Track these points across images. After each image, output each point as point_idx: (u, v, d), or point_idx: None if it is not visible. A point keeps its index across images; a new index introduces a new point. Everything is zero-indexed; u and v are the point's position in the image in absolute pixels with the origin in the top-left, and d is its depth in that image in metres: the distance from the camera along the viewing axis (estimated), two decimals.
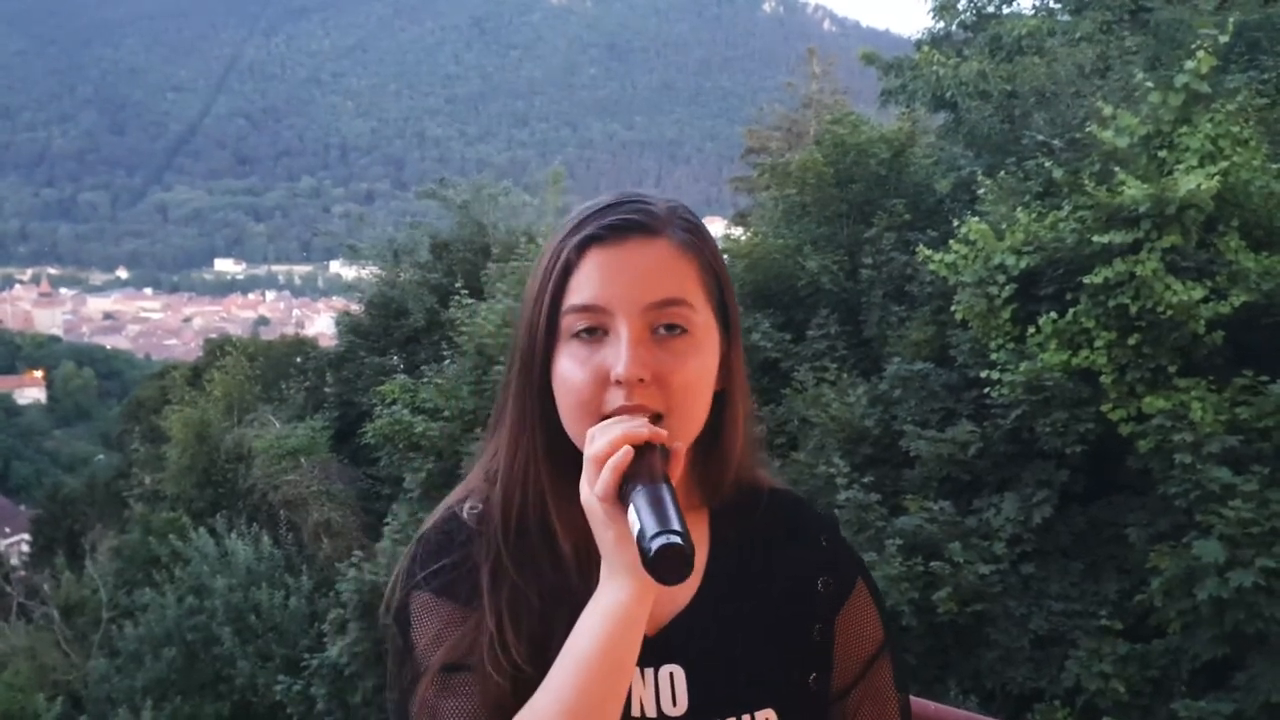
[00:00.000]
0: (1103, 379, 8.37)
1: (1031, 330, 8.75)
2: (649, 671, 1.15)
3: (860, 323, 11.69)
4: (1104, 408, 8.41)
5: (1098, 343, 8.38)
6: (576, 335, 1.13)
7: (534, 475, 1.16)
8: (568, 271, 1.14)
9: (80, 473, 35.27)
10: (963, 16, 16.24)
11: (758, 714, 1.16)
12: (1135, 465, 8.47)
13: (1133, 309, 8.19)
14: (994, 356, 9.00)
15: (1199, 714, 7.26)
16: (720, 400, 1.19)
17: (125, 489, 22.68)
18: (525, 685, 1.08)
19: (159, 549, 15.52)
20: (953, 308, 9.48)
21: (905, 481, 9.56)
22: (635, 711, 1.14)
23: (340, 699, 12.06)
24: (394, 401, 13.77)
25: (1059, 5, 15.58)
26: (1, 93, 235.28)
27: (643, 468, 1.03)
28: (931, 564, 8.43)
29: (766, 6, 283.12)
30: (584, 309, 1.12)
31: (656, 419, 1.09)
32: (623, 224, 1.14)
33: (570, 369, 1.12)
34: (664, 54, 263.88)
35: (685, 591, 1.18)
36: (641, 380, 1.09)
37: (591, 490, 1.04)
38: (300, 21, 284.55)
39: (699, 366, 1.13)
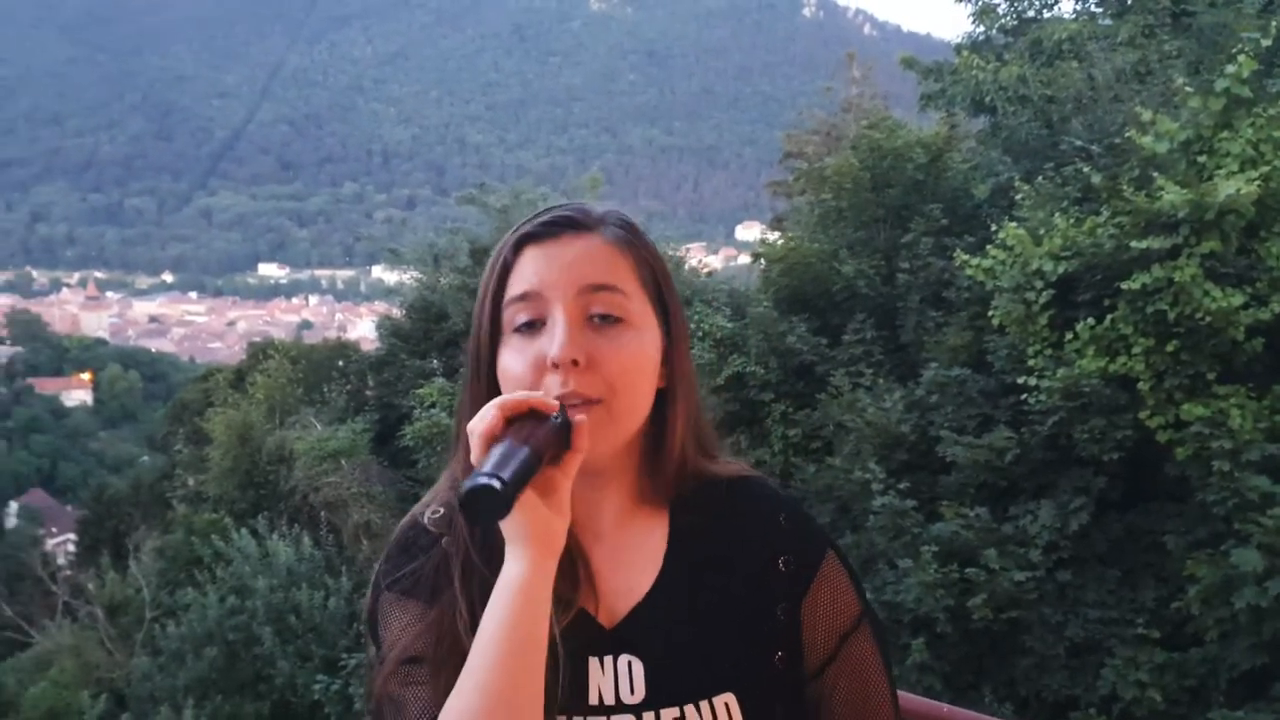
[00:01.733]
0: (1141, 386, 8.31)
1: (1069, 336, 8.70)
2: (608, 660, 1.18)
3: (897, 328, 11.66)
4: (1142, 415, 8.35)
5: (1136, 349, 8.31)
6: (517, 330, 1.18)
7: None
8: (506, 270, 1.20)
9: (125, 474, 35.73)
10: (1003, 21, 16.16)
11: (716, 699, 1.17)
12: (1173, 473, 8.40)
13: (1171, 315, 8.12)
14: (1031, 363, 8.96)
15: None
16: (663, 397, 1.22)
17: (169, 490, 22.97)
18: None
19: (201, 549, 15.69)
20: (990, 313, 9.44)
21: (941, 488, 9.53)
22: (594, 700, 1.17)
23: None
24: (433, 404, 13.87)
25: (1100, 9, 15.46)
26: (51, 100, 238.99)
27: (514, 432, 1.04)
28: (967, 571, 8.40)
29: (806, 11, 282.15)
30: (520, 298, 1.18)
31: (594, 403, 1.12)
32: (555, 220, 1.21)
33: (510, 360, 1.17)
34: (703, 59, 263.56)
35: (644, 582, 1.21)
36: (576, 363, 1.12)
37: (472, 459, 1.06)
38: (343, 30, 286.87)
39: (637, 353, 1.17)
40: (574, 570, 1.19)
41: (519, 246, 1.20)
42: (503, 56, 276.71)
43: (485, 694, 1.04)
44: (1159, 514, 8.68)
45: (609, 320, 1.16)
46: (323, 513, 16.16)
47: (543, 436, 1.05)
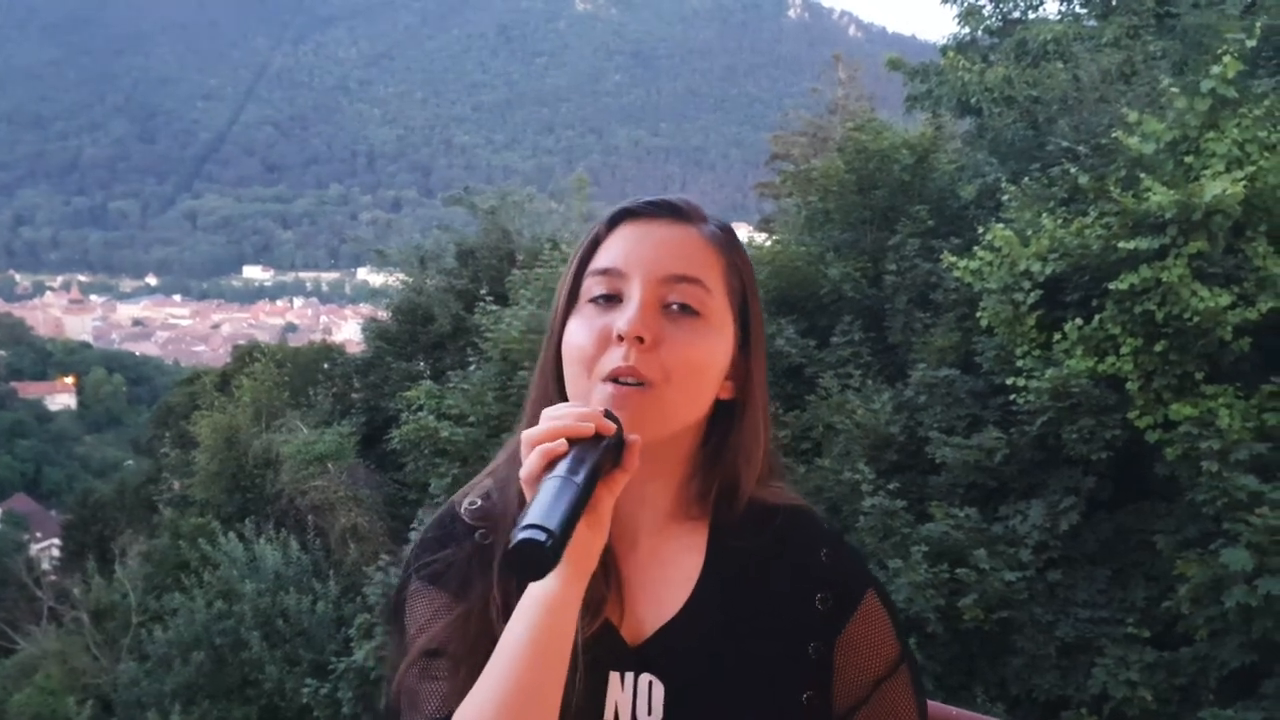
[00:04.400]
0: (1129, 386, 8.34)
1: (1057, 337, 8.72)
2: (628, 678, 1.15)
3: (885, 329, 11.66)
4: (1130, 415, 8.37)
5: (1124, 349, 8.34)
6: (593, 300, 1.16)
7: None
8: (597, 242, 1.19)
9: (110, 478, 35.50)
10: (988, 22, 16.19)
11: None
12: (1162, 472, 8.43)
13: (1159, 315, 8.15)
14: (1020, 363, 8.98)
15: None
16: (731, 409, 1.20)
17: (155, 494, 22.84)
18: None
19: (188, 554, 15.61)
20: (978, 314, 9.46)
21: (931, 488, 9.54)
22: (609, 716, 1.15)
23: (367, 702, 12.12)
24: (420, 407, 13.83)
25: (1085, 11, 15.51)
26: (34, 102, 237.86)
27: (572, 457, 1.01)
28: (957, 571, 8.40)
29: (792, 13, 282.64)
30: (602, 272, 1.16)
31: (646, 386, 1.10)
32: (658, 203, 1.19)
33: (577, 329, 1.16)
34: (689, 60, 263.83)
35: (674, 601, 1.18)
36: (641, 340, 1.10)
37: (522, 471, 1.04)
38: (328, 30, 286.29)
39: (705, 350, 1.14)
40: (604, 578, 1.15)
41: (615, 221, 1.20)
42: (489, 57, 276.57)
43: (501, 706, 1.02)
44: (1148, 514, 8.71)
45: (685, 311, 1.14)
46: (310, 516, 16.10)
47: (597, 461, 1.03)
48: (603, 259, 1.17)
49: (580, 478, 1.00)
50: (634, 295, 1.13)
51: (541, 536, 0.93)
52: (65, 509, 36.72)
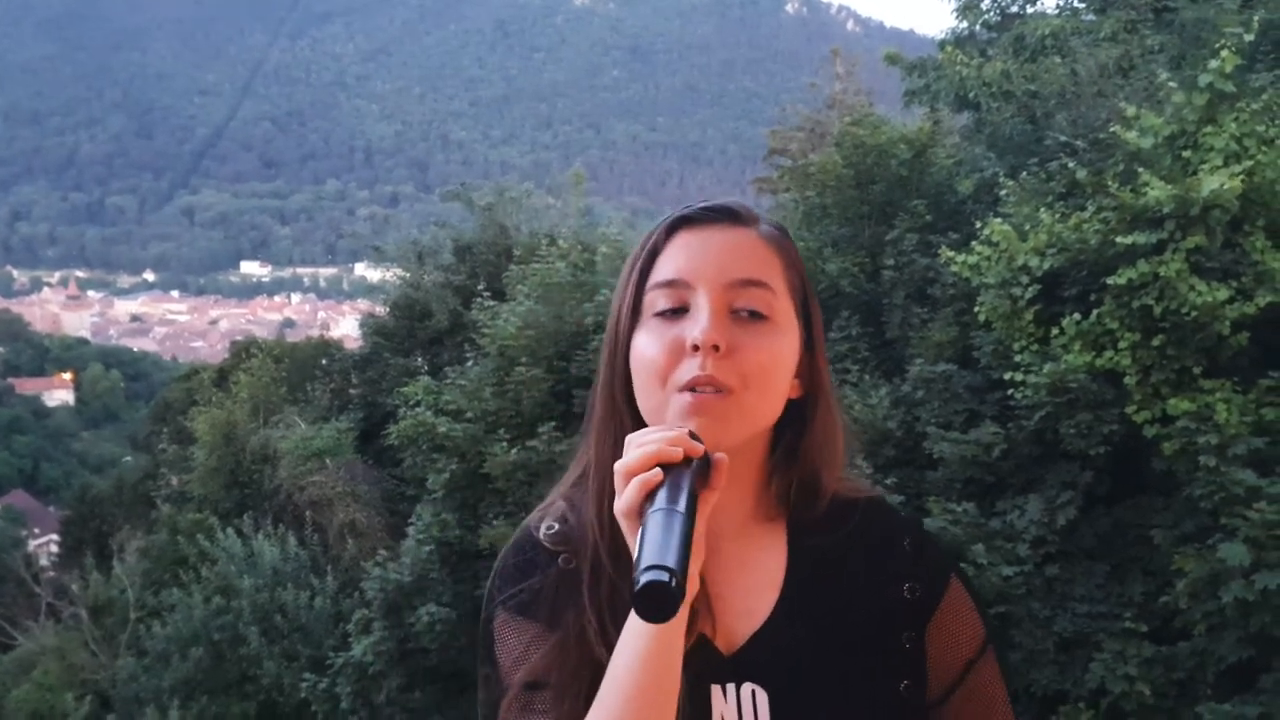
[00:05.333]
0: (1127, 380, 8.33)
1: (1055, 332, 8.71)
2: (730, 689, 1.14)
3: (882, 324, 11.66)
4: (1128, 409, 8.37)
5: (1122, 344, 8.34)
6: (658, 314, 1.15)
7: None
8: (655, 254, 1.18)
9: (108, 474, 35.51)
10: (986, 16, 16.19)
11: None
12: (1160, 467, 8.43)
13: (1157, 310, 8.15)
14: (1018, 358, 8.97)
15: (1224, 717, 7.22)
16: (802, 407, 1.19)
17: (153, 490, 22.84)
18: None
19: (186, 549, 15.63)
20: (976, 309, 9.45)
21: (928, 483, 9.54)
22: None
23: (365, 697, 12.14)
24: (418, 403, 13.83)
25: (1083, 5, 15.50)
26: (30, 98, 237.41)
27: (669, 484, 1.00)
28: None
29: (790, 7, 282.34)
30: (667, 284, 1.15)
31: (724, 392, 1.10)
32: (714, 208, 1.19)
33: (647, 342, 1.15)
34: (687, 55, 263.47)
35: (763, 606, 1.17)
36: (717, 348, 1.10)
37: (617, 504, 1.03)
38: (325, 26, 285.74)
39: (777, 352, 1.14)
40: (695, 590, 1.13)
41: (672, 230, 1.19)
42: (486, 52, 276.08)
43: None
44: (1146, 508, 8.71)
45: (755, 316, 1.14)
46: (307, 512, 16.11)
47: (689, 487, 1.02)
48: (664, 270, 1.16)
49: (682, 506, 0.99)
50: (703, 304, 1.13)
51: (665, 577, 0.92)
52: (63, 505, 36.71)
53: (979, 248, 9.33)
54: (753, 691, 1.14)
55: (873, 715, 1.15)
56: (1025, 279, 8.96)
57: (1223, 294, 8.00)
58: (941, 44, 15.95)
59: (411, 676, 11.94)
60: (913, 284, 11.44)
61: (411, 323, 18.73)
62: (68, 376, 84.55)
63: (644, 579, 0.92)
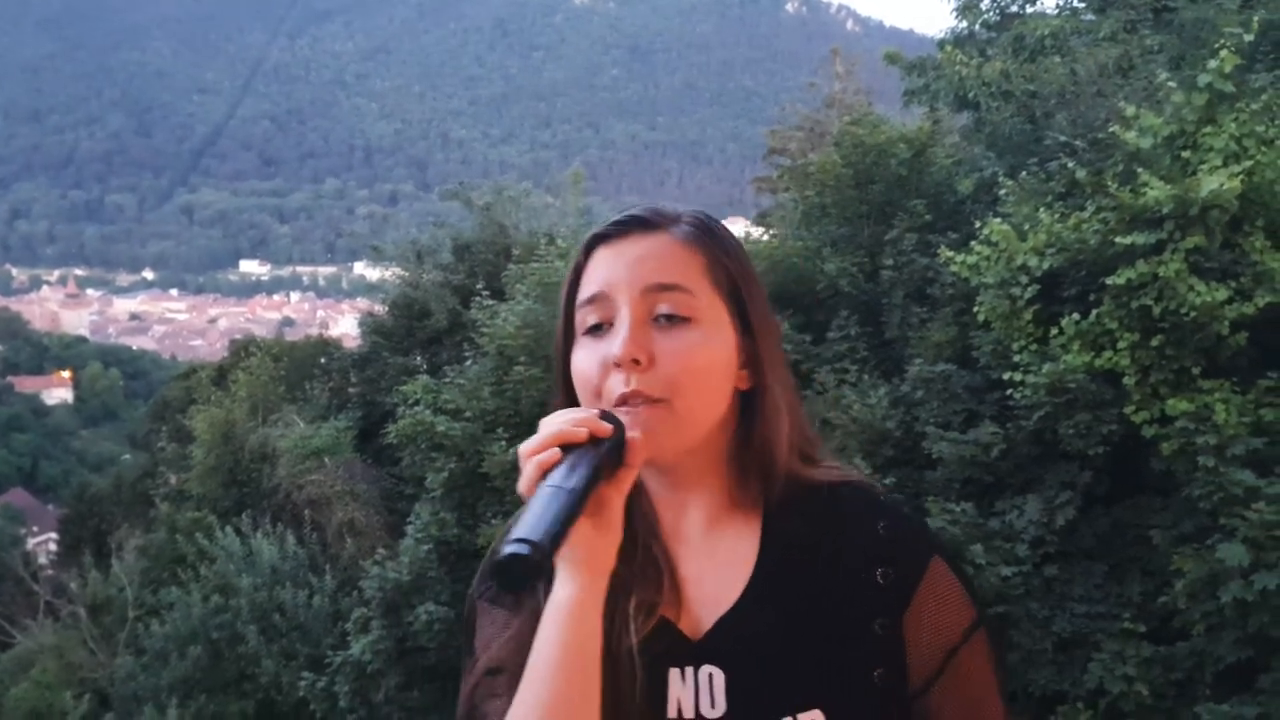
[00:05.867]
0: (1126, 381, 8.33)
1: (1054, 332, 8.71)
2: (689, 671, 1.15)
3: (881, 324, 11.66)
4: (1127, 409, 8.36)
5: (1121, 344, 8.33)
6: (588, 332, 1.17)
7: None
8: (579, 273, 1.21)
9: (107, 472, 35.52)
10: (986, 16, 16.18)
11: (801, 716, 1.12)
12: (1158, 467, 8.42)
13: (1156, 310, 8.14)
14: (1017, 358, 8.97)
15: (1223, 717, 7.21)
16: (751, 398, 1.20)
17: (151, 488, 22.85)
18: None
19: (185, 548, 15.63)
20: (975, 309, 9.45)
21: (927, 483, 9.53)
22: (672, 712, 1.14)
23: (363, 696, 12.14)
24: (416, 402, 13.83)
25: (1082, 4, 15.50)
26: (30, 96, 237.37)
27: (566, 464, 1.02)
28: None
29: (789, 7, 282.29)
30: (589, 300, 1.18)
31: (657, 403, 1.11)
32: (625, 220, 1.20)
33: (580, 361, 1.17)
34: (686, 55, 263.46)
35: (732, 591, 1.18)
36: (637, 362, 1.11)
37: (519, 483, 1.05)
38: (324, 24, 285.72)
39: (704, 354, 1.14)
40: (659, 577, 1.17)
41: (590, 248, 1.21)
42: (485, 51, 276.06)
43: (540, 707, 1.04)
44: (1145, 508, 8.71)
45: (675, 320, 1.14)
46: (306, 511, 16.12)
47: (595, 464, 1.04)
48: (586, 288, 1.18)
49: (573, 484, 1.00)
50: (622, 317, 1.14)
51: (525, 549, 0.94)
52: (62, 503, 36.69)
53: (978, 247, 9.33)
54: (710, 674, 1.15)
55: (837, 701, 1.13)
56: (1024, 279, 8.95)
57: (1222, 294, 8.00)
58: (941, 44, 15.94)
59: (410, 675, 11.94)
60: (912, 284, 11.44)
61: (410, 322, 18.73)
62: (67, 375, 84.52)
63: (505, 550, 0.94)
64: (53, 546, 32.55)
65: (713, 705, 1.14)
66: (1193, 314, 8.02)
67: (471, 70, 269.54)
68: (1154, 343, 8.21)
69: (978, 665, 1.19)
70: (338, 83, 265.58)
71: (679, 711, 1.14)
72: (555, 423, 1.07)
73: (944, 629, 1.18)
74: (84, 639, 16.22)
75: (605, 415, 1.09)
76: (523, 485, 1.04)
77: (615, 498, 1.07)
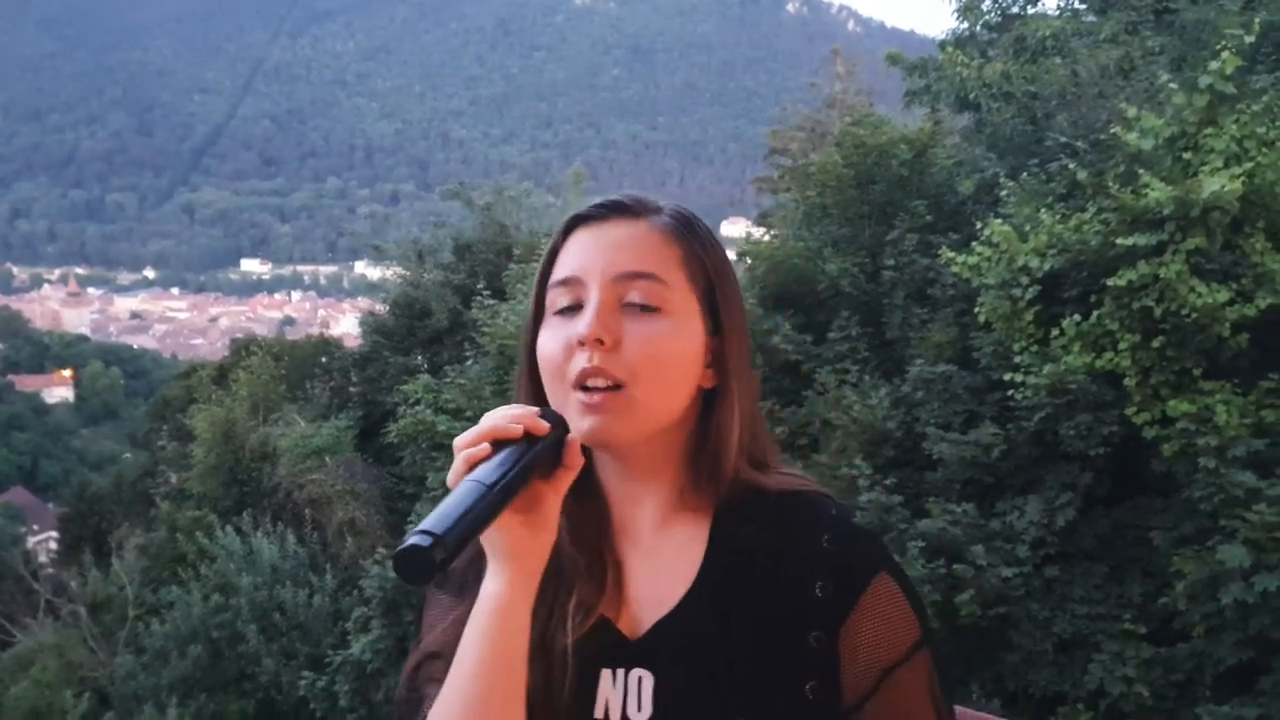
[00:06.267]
0: (1127, 382, 8.33)
1: (1055, 333, 8.71)
2: (619, 673, 1.15)
3: (882, 325, 11.66)
4: (1128, 411, 8.37)
5: (1122, 345, 8.33)
6: (558, 312, 1.17)
7: None
8: (555, 253, 1.21)
9: (107, 471, 35.48)
10: (987, 17, 16.19)
11: None
12: (1159, 468, 8.43)
13: (1157, 311, 8.14)
14: (1017, 359, 8.97)
15: (1223, 719, 7.22)
16: (711, 397, 1.19)
17: (152, 487, 22.84)
18: None
19: (185, 547, 15.62)
20: (976, 310, 9.45)
21: (928, 484, 9.53)
22: (599, 713, 1.14)
23: (363, 695, 12.14)
24: (417, 401, 13.84)
25: (1084, 6, 15.50)
26: (31, 95, 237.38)
27: (495, 460, 1.02)
28: (954, 567, 8.40)
29: (790, 7, 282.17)
30: (561, 282, 1.18)
31: (617, 388, 1.11)
32: (606, 204, 1.20)
33: (546, 340, 1.17)
34: (687, 55, 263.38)
35: (674, 595, 1.17)
36: (601, 342, 1.11)
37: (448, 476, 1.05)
38: (325, 24, 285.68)
39: (670, 345, 1.14)
40: (602, 576, 1.17)
41: (569, 229, 1.21)
42: (486, 51, 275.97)
43: (461, 707, 1.04)
44: (1146, 510, 8.71)
45: (645, 309, 1.14)
46: (307, 510, 16.11)
47: (527, 461, 1.03)
48: (560, 270, 1.18)
49: (493, 479, 1.00)
50: (591, 298, 1.14)
51: (426, 541, 0.93)
52: (62, 502, 36.68)
53: (979, 248, 9.33)
54: (640, 677, 1.14)
55: (764, 712, 1.11)
56: (1025, 280, 8.96)
57: (1223, 296, 8.00)
58: (942, 44, 15.96)
59: None
60: (913, 284, 11.44)
61: (411, 321, 18.74)
62: (67, 373, 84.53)
63: (407, 540, 0.94)
64: (53, 545, 32.54)
65: (639, 709, 1.13)
66: (1194, 315, 8.02)
67: (472, 70, 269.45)
68: (1155, 344, 8.21)
69: (916, 685, 1.16)
70: (339, 82, 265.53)
71: (606, 712, 1.14)
72: (492, 418, 1.06)
73: (882, 647, 1.14)
74: (84, 638, 16.21)
75: (546, 414, 1.09)
76: (450, 478, 1.04)
77: (551, 496, 1.07)
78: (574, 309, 1.16)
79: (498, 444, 1.04)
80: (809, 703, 1.12)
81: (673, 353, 1.14)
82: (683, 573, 1.18)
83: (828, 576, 1.15)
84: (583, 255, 1.17)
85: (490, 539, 1.05)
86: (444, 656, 1.14)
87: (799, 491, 1.22)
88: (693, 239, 1.20)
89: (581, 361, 1.12)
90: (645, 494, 1.21)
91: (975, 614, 8.27)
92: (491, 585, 1.07)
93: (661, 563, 1.20)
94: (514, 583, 1.06)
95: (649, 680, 1.14)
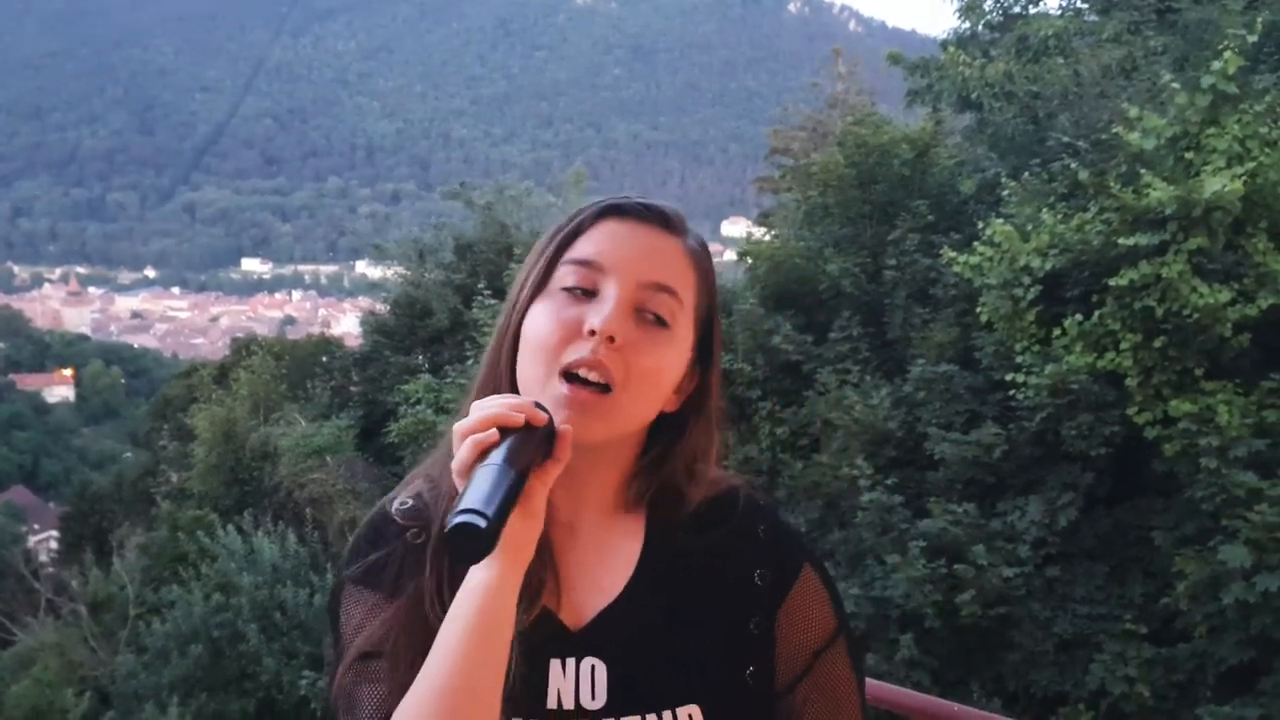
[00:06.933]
0: (1128, 382, 8.33)
1: (1057, 333, 8.72)
2: (570, 663, 1.15)
3: (883, 325, 11.66)
4: (1129, 411, 8.37)
5: (1123, 345, 8.34)
6: (565, 289, 1.15)
7: None
8: (578, 232, 1.19)
9: (108, 470, 35.48)
10: (989, 17, 16.18)
11: (680, 710, 1.14)
12: (1161, 468, 8.43)
13: (1159, 311, 8.14)
14: (1019, 359, 8.97)
15: (1224, 719, 7.21)
16: (674, 422, 1.20)
17: (153, 487, 22.84)
18: None
19: (186, 546, 15.60)
20: (977, 310, 9.45)
21: (929, 484, 9.53)
22: (553, 704, 1.14)
23: None
24: (418, 401, 13.85)
25: (1086, 5, 15.49)
26: (32, 94, 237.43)
27: (505, 447, 1.01)
28: (955, 567, 8.40)
29: (792, 7, 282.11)
30: (582, 262, 1.15)
31: (605, 389, 1.10)
32: (651, 207, 1.20)
33: (542, 315, 1.15)
34: (688, 54, 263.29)
35: (615, 585, 1.18)
36: (612, 339, 1.10)
37: (453, 462, 1.03)
38: (326, 23, 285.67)
39: (667, 361, 1.15)
40: (542, 568, 1.15)
41: (602, 214, 1.19)
42: (487, 51, 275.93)
43: (442, 698, 1.02)
44: (1147, 510, 8.71)
45: (658, 321, 1.14)
46: (307, 509, 16.10)
47: (530, 451, 1.03)
48: (583, 249, 1.16)
49: (513, 465, 1.00)
50: (611, 293, 1.13)
51: (479, 521, 0.93)
52: (63, 501, 36.72)
53: (981, 248, 9.33)
54: (592, 666, 1.15)
55: (713, 697, 1.15)
56: (1027, 280, 8.96)
57: (1224, 296, 8.00)
58: (944, 44, 15.95)
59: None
60: (914, 284, 11.43)
61: (412, 321, 18.74)
62: (68, 373, 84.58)
63: (456, 520, 0.93)
64: (54, 544, 32.54)
65: (593, 697, 1.14)
66: (1195, 315, 8.02)
67: (473, 70, 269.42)
68: (1156, 344, 8.22)
69: (841, 669, 1.21)
70: (340, 81, 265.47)
71: (559, 703, 1.14)
72: (493, 405, 1.04)
73: (812, 631, 1.20)
74: (85, 637, 16.21)
75: (540, 405, 1.07)
76: (457, 465, 1.02)
77: (540, 489, 1.06)
78: (583, 292, 1.14)
79: (502, 432, 1.04)
80: (749, 687, 1.17)
81: (666, 371, 1.15)
82: (622, 565, 1.20)
83: (766, 564, 1.21)
84: (613, 245, 1.16)
85: None
86: (386, 655, 1.12)
87: (731, 486, 1.26)
88: (708, 271, 1.21)
89: (582, 350, 1.10)
90: (586, 492, 1.20)
91: (976, 614, 8.27)
92: (481, 574, 1.04)
93: (600, 556, 1.20)
94: (504, 573, 1.04)
95: (602, 669, 1.15)
